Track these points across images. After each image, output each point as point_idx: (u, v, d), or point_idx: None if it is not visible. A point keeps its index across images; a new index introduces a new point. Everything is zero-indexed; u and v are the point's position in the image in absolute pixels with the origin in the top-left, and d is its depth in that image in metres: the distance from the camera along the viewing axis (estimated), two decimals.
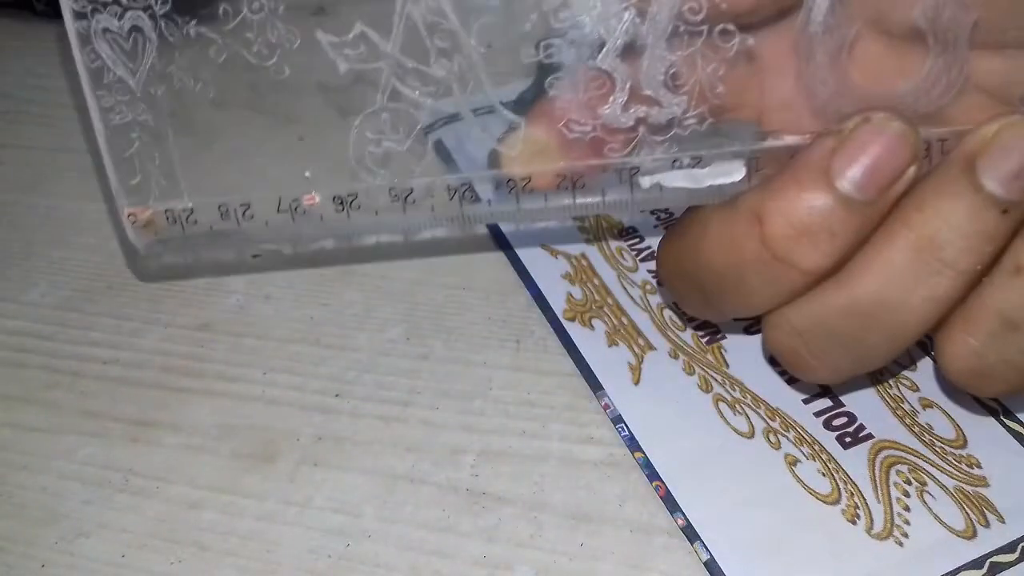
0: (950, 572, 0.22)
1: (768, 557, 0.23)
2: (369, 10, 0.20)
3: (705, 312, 0.24)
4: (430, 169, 0.22)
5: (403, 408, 0.28)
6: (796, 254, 0.20)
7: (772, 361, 0.27)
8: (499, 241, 0.32)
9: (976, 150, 0.19)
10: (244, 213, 0.22)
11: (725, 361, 0.28)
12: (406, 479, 0.26)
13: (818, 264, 0.20)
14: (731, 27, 0.20)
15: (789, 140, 0.21)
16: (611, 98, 0.20)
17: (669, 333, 0.28)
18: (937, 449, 0.25)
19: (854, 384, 0.26)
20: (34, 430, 0.28)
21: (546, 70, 0.21)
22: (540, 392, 0.28)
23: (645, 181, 0.21)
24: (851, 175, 0.19)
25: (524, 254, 0.32)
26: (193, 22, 0.21)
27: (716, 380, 0.27)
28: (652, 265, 0.31)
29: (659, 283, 0.27)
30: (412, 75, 0.21)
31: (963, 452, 0.25)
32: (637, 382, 0.27)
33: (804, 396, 0.26)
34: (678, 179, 0.21)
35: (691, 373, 0.27)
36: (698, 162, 0.21)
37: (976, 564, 0.22)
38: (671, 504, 0.24)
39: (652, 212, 0.32)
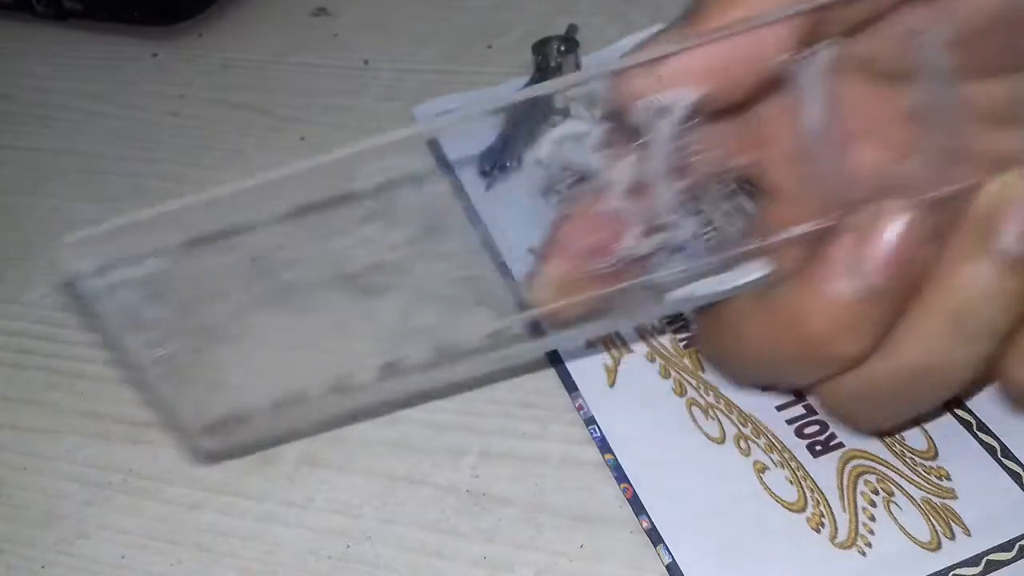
0: None
1: (731, 563, 0.23)
2: None
3: (754, 384, 0.26)
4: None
5: (404, 409, 0.28)
6: (838, 347, 0.20)
7: None
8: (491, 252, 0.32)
9: (985, 213, 0.19)
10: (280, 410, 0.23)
11: (701, 365, 0.27)
12: (406, 480, 0.26)
13: (861, 350, 0.21)
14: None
15: (797, 230, 0.21)
16: (626, 233, 0.21)
17: (647, 336, 0.29)
18: (907, 460, 0.25)
19: None
20: (34, 431, 0.29)
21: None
22: (540, 394, 0.28)
23: (673, 295, 0.22)
24: (875, 267, 0.19)
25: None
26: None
27: (691, 384, 0.27)
28: None
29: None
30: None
31: (933, 464, 0.24)
32: (612, 384, 0.28)
33: (777, 403, 0.26)
34: (704, 287, 0.22)
35: (667, 377, 0.27)
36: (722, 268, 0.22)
37: None
38: (637, 506, 0.25)
39: None
